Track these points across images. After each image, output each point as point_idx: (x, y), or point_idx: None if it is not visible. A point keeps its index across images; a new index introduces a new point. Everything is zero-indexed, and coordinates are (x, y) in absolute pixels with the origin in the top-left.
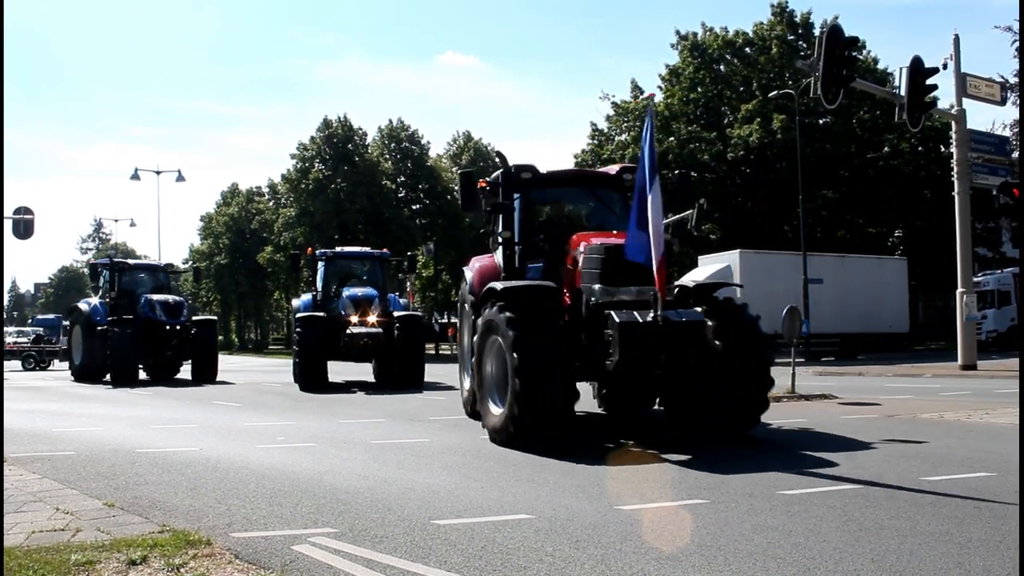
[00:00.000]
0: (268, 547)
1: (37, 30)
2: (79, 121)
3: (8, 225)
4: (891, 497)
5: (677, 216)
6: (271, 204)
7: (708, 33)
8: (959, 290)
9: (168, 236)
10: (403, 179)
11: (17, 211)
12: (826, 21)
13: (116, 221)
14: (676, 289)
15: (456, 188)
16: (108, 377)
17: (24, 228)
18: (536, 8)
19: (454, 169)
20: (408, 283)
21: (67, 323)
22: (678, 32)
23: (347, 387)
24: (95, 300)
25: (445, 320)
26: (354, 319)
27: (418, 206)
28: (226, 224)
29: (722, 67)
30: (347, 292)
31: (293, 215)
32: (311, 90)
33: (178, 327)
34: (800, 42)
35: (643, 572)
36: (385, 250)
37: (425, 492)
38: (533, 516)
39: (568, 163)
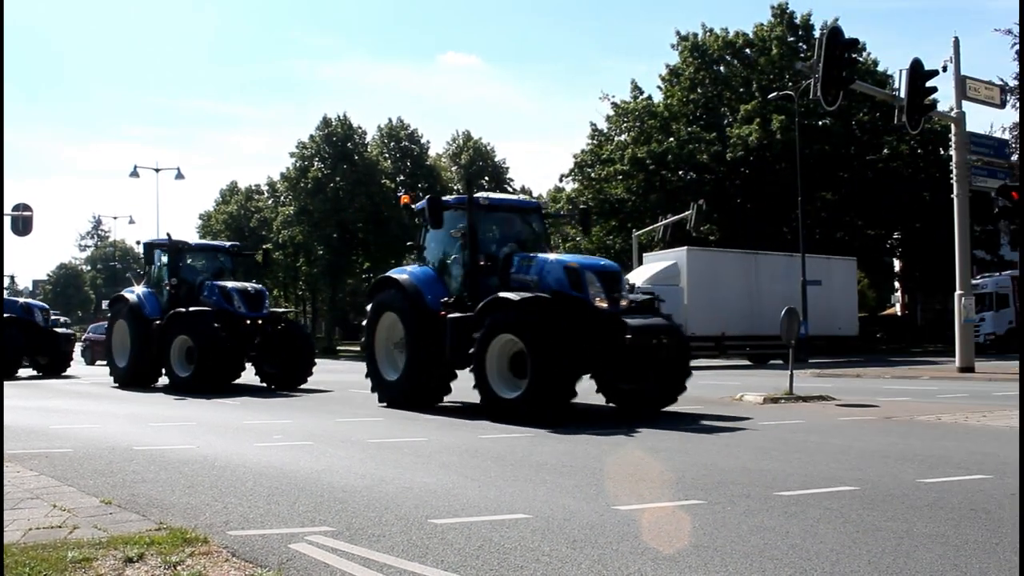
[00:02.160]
0: (265, 545)
1: (37, 29)
2: (78, 120)
3: (7, 222)
4: (888, 499)
5: (676, 216)
6: (270, 202)
7: (708, 34)
8: (957, 292)
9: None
10: (402, 178)
11: (16, 208)
12: (826, 23)
13: (115, 218)
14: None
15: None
16: (165, 381)
17: (23, 225)
18: (537, 9)
19: (453, 168)
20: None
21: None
22: (678, 33)
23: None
24: (141, 289)
25: None
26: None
27: None
28: (225, 222)
29: (722, 68)
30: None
31: (292, 213)
32: (311, 90)
33: (260, 321)
34: (800, 44)
35: (640, 572)
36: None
37: (422, 491)
38: (530, 516)
39: (568, 164)
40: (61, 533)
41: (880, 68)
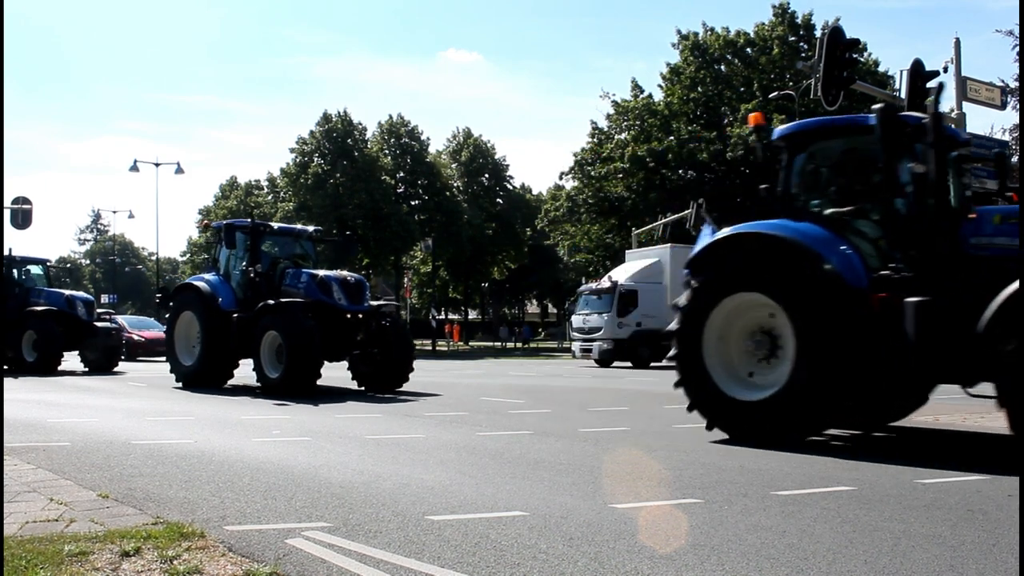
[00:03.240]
0: (262, 540)
1: (38, 23)
2: (78, 114)
3: (7, 215)
4: (885, 499)
5: (675, 215)
6: (270, 198)
7: (709, 33)
8: None
9: (166, 229)
10: (402, 175)
11: (15, 201)
12: (827, 22)
13: (114, 213)
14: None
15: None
16: (237, 381)
17: (22, 218)
18: (539, 6)
19: (453, 166)
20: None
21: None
22: (679, 32)
23: None
24: (211, 276)
25: (442, 316)
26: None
27: (417, 202)
28: (224, 218)
29: (723, 67)
30: None
31: (292, 209)
32: (311, 86)
33: (361, 315)
34: (801, 43)
35: (637, 571)
36: None
37: (419, 488)
38: (527, 513)
39: (568, 161)
40: (58, 526)
41: (881, 68)
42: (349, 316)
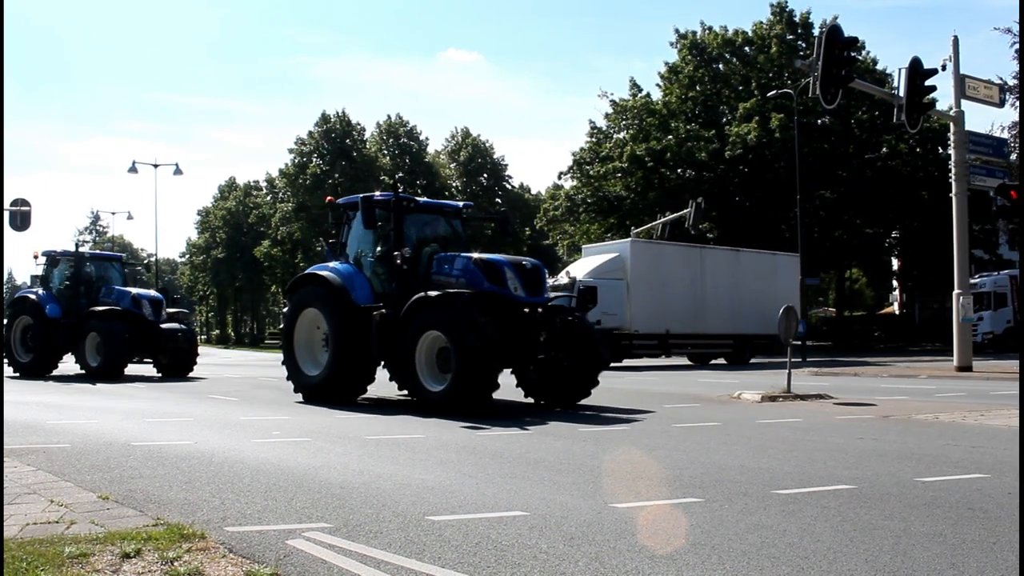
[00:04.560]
0: (262, 541)
1: (37, 24)
2: (76, 115)
3: (6, 217)
4: (885, 498)
5: (674, 215)
6: (268, 199)
7: (707, 32)
8: (955, 292)
9: (165, 230)
10: (401, 175)
11: (14, 203)
12: (825, 21)
13: (113, 214)
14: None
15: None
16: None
17: (21, 220)
18: (539, 6)
19: (452, 166)
20: None
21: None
22: (677, 31)
23: None
24: (337, 264)
25: None
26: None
27: None
28: (223, 218)
29: (721, 66)
30: None
31: (290, 209)
32: (311, 87)
33: (540, 308)
34: (799, 42)
35: (637, 570)
36: None
37: (420, 488)
38: (527, 513)
39: (567, 161)
40: (58, 528)
41: (879, 66)
42: (527, 310)
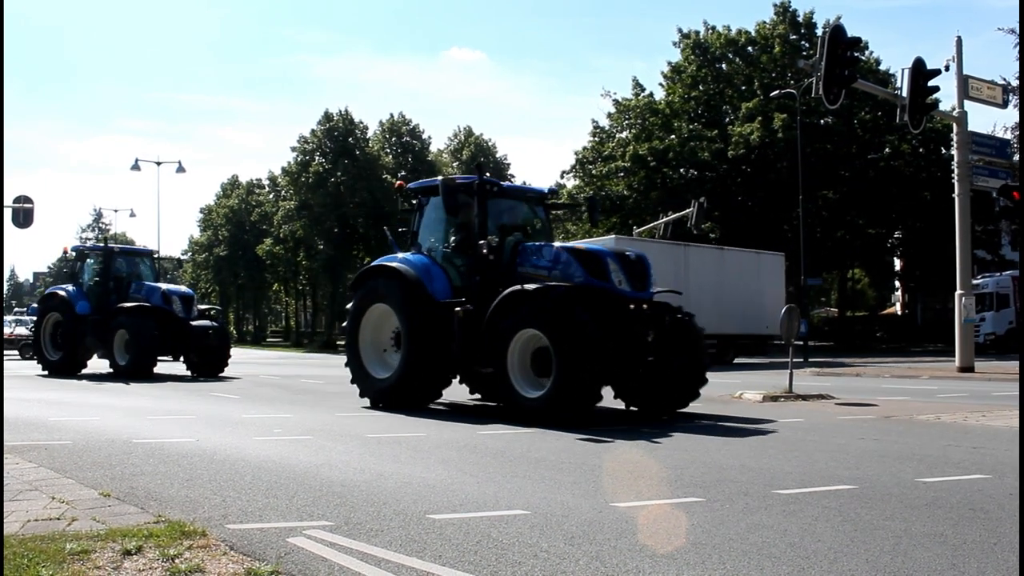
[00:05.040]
0: (263, 539)
1: (39, 22)
2: (78, 114)
3: (8, 214)
4: (886, 498)
5: (676, 214)
6: (271, 196)
7: (710, 32)
8: (958, 292)
9: (167, 227)
10: (404, 173)
11: (17, 200)
12: (828, 21)
13: (116, 211)
14: None
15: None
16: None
17: (24, 217)
18: (542, 6)
19: (455, 165)
20: None
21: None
22: (680, 30)
23: None
24: (410, 255)
25: None
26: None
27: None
28: (226, 216)
29: (724, 65)
30: None
31: (293, 208)
32: (314, 86)
33: (645, 305)
34: (802, 42)
35: (637, 569)
36: None
37: (421, 486)
38: (528, 512)
39: (570, 160)
40: (59, 525)
41: (882, 67)
42: (632, 307)
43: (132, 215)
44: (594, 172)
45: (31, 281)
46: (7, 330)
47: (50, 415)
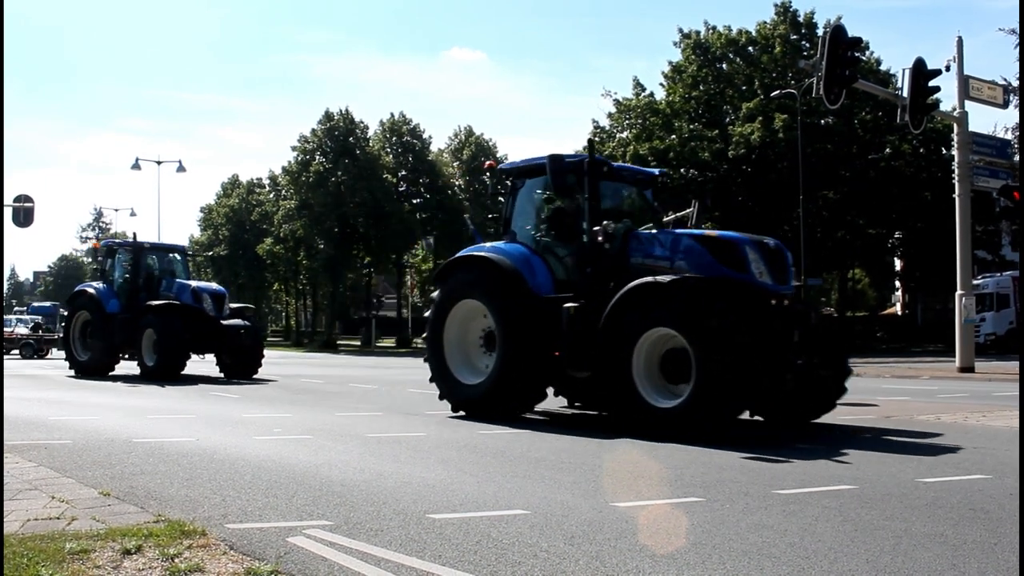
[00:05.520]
0: (263, 539)
1: (39, 21)
2: (79, 113)
3: (8, 213)
4: (886, 498)
5: (678, 213)
6: (271, 196)
7: (711, 32)
8: (958, 292)
9: (168, 227)
10: (404, 173)
11: (17, 199)
12: (829, 21)
13: (116, 211)
14: None
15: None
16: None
17: (24, 216)
18: (543, 6)
19: (455, 164)
20: (408, 277)
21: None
22: (681, 30)
23: None
24: (503, 245)
25: None
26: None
27: (418, 200)
28: (226, 215)
29: (724, 65)
30: None
31: (293, 207)
32: (314, 85)
33: (787, 300)
34: (803, 42)
35: (638, 569)
36: None
37: (421, 486)
38: (528, 512)
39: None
40: (59, 524)
41: (883, 67)
42: (774, 302)
43: (132, 214)
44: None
45: (31, 280)
46: (7, 329)
47: (50, 414)
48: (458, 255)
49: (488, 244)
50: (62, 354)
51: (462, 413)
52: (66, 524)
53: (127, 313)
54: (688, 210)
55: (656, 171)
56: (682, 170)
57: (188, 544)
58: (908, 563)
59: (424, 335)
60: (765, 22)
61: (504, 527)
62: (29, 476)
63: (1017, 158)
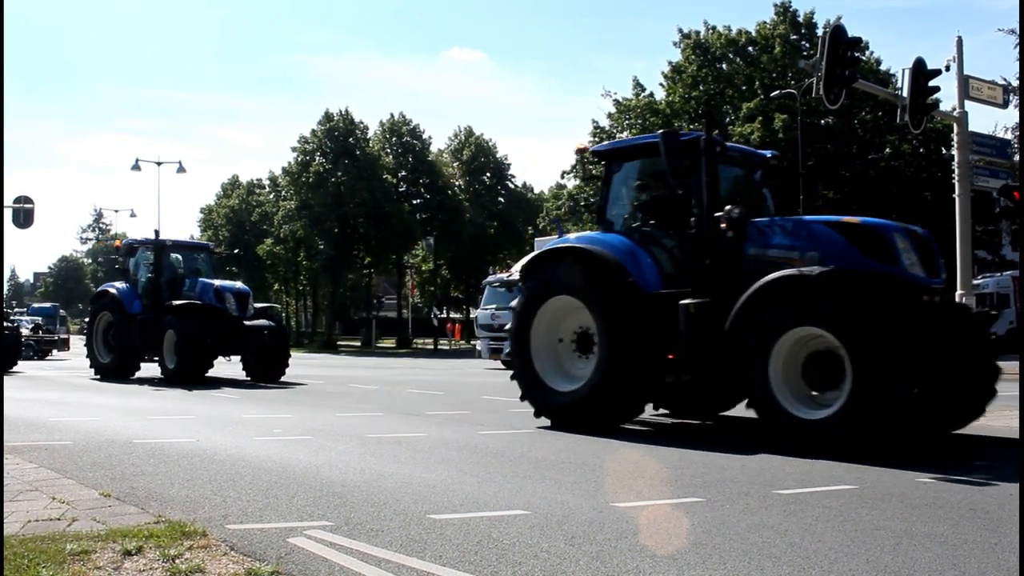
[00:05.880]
0: (263, 539)
1: (38, 21)
2: (79, 113)
3: (8, 214)
4: (887, 498)
5: None
6: (271, 196)
7: (711, 32)
8: (958, 292)
9: (167, 227)
10: (404, 173)
11: (17, 200)
12: (829, 21)
13: (116, 211)
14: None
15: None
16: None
17: (24, 217)
18: (543, 5)
19: (455, 165)
20: (408, 277)
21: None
22: (680, 30)
23: None
24: (598, 235)
25: (444, 315)
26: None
27: (418, 200)
28: (226, 216)
29: (724, 66)
30: None
31: (293, 208)
32: (314, 86)
33: (938, 296)
34: (803, 42)
35: (638, 569)
36: None
37: (421, 486)
38: (529, 512)
39: (570, 160)
40: (60, 525)
41: (883, 67)
42: (926, 298)
43: (132, 215)
44: (595, 172)
45: (31, 281)
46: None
47: (50, 415)
48: (548, 246)
49: (578, 235)
50: (62, 354)
51: (547, 422)
52: (67, 525)
53: (149, 314)
54: None
55: (768, 153)
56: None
57: (189, 545)
58: (908, 563)
59: (511, 332)
60: (765, 22)
61: (504, 527)
62: (29, 477)
63: (1017, 158)
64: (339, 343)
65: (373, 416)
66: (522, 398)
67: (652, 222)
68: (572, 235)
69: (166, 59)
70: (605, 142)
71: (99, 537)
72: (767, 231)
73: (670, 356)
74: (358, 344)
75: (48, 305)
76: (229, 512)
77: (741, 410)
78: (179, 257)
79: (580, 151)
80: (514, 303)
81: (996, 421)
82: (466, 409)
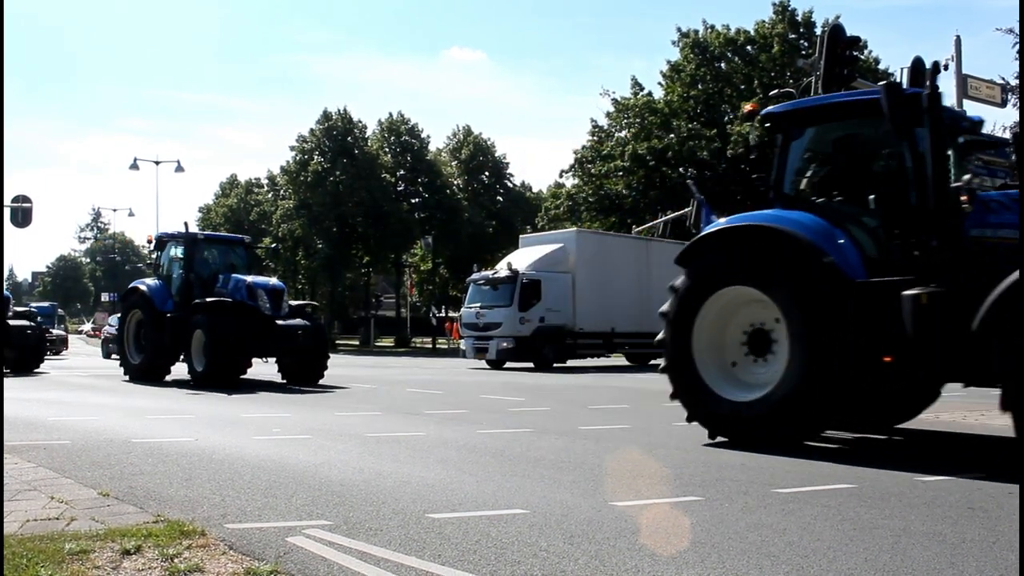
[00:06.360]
0: (262, 538)
1: (38, 20)
2: (77, 113)
3: (7, 213)
4: (885, 497)
5: (676, 213)
6: (270, 196)
7: (709, 31)
8: None
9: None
10: (402, 173)
11: (16, 199)
12: (827, 20)
13: (114, 211)
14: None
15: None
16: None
17: (22, 216)
18: (543, 5)
19: (453, 164)
20: (407, 276)
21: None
22: (679, 29)
23: None
24: (785, 213)
25: (442, 314)
26: None
27: (417, 200)
28: (224, 215)
29: (723, 65)
30: None
31: (292, 207)
32: (313, 85)
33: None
34: (802, 41)
35: (637, 568)
36: None
37: (420, 485)
38: (528, 511)
39: (569, 159)
40: (58, 525)
41: (882, 66)
42: None
43: (131, 215)
44: (593, 171)
45: (30, 280)
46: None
47: (49, 415)
48: (717, 227)
49: (749, 214)
50: (62, 354)
51: (722, 439)
52: (65, 524)
53: (178, 312)
54: (687, 209)
55: (976, 117)
56: (680, 169)
57: (187, 544)
58: (907, 562)
59: (665, 339)
60: (764, 21)
61: (503, 526)
62: (28, 477)
63: (1015, 157)
64: (338, 342)
65: (372, 415)
66: (689, 419)
67: (841, 198)
68: (771, 211)
69: (166, 59)
70: (781, 104)
71: (98, 536)
72: (994, 207)
73: (886, 359)
74: (357, 343)
75: (46, 304)
76: (228, 511)
77: (919, 423)
78: (214, 251)
79: (749, 113)
80: (665, 307)
81: (995, 420)
82: (465, 408)
